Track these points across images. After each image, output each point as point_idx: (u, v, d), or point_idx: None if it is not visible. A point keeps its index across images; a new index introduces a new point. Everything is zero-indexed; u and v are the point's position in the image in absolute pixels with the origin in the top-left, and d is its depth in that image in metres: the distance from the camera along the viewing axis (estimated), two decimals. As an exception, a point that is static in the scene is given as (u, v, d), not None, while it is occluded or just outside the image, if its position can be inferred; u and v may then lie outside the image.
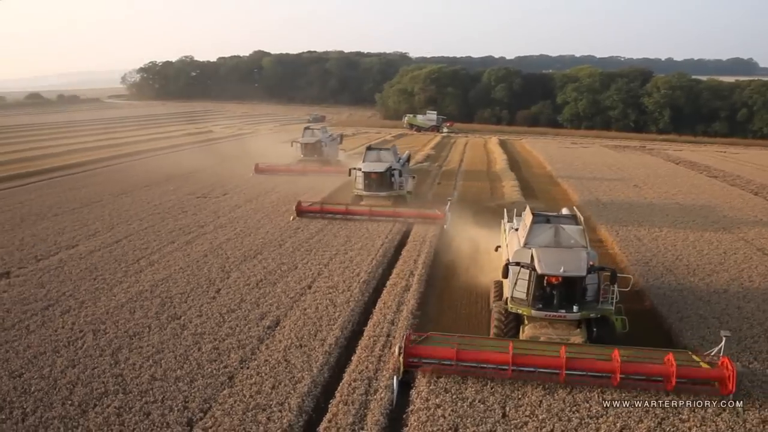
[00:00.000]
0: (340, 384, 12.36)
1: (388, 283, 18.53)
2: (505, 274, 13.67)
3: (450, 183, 38.01)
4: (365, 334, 14.81)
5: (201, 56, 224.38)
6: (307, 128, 42.56)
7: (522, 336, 13.59)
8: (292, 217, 25.50)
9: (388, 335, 14.69)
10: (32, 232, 23.84)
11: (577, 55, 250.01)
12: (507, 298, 14.10)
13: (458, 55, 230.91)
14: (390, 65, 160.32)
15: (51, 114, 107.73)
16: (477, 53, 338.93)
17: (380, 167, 27.16)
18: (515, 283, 13.77)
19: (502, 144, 65.32)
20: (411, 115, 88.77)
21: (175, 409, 11.32)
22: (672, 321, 15.58)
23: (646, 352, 12.41)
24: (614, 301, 13.43)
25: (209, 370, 12.87)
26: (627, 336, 13.77)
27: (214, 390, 12.07)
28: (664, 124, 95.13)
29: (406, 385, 12.16)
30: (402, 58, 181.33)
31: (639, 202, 31.14)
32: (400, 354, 12.24)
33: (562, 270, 12.78)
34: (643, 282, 18.64)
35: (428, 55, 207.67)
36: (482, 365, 12.16)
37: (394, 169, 27.36)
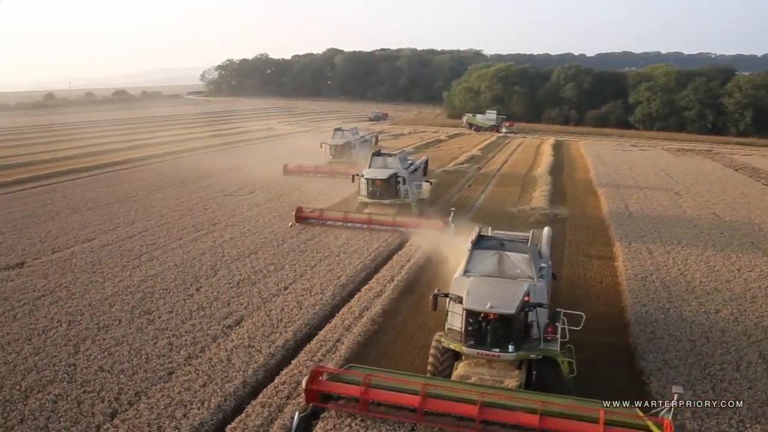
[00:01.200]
0: (267, 387, 12.73)
1: (364, 287, 18.72)
2: (434, 306, 12.33)
3: (480, 187, 37.44)
4: (315, 338, 15.11)
5: (276, 54, 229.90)
6: (337, 129, 42.48)
7: (453, 375, 12.11)
8: (290, 224, 25.30)
9: (338, 341, 14.94)
10: (60, 225, 25.72)
11: (663, 51, 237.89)
12: (443, 332, 12.75)
13: (535, 53, 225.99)
14: (462, 63, 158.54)
15: (129, 110, 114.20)
16: (555, 50, 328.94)
17: (383, 174, 26.15)
18: (448, 315, 12.62)
19: (557, 146, 63.40)
20: (470, 115, 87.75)
21: (107, 399, 12.09)
22: (644, 358, 14.16)
23: (582, 404, 10.72)
24: (562, 340, 11.97)
25: (154, 364, 13.61)
26: (579, 380, 12.15)
27: (149, 384, 12.77)
28: (744, 125, 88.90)
29: (315, 416, 11.56)
30: (476, 56, 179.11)
31: (670, 213, 29.50)
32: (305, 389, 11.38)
33: (488, 306, 11.35)
34: (628, 300, 17.85)
35: (504, 53, 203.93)
36: (391, 406, 11.13)
37: (399, 177, 26.43)
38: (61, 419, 11.40)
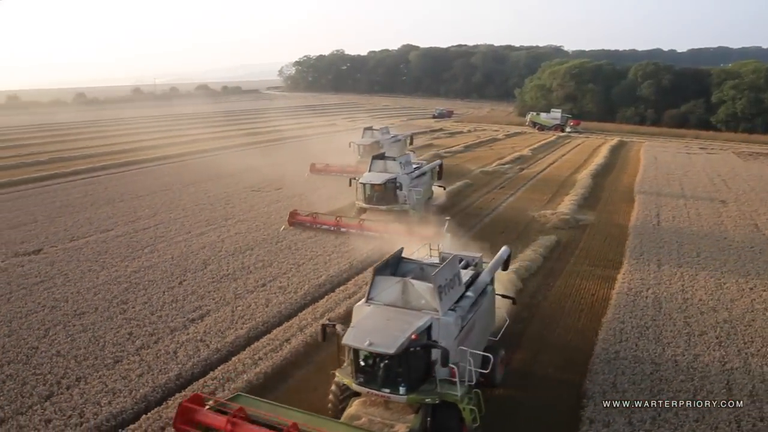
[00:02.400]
0: (198, 381, 13.17)
1: (338, 288, 18.86)
2: (323, 337, 11.16)
3: (511, 190, 36.45)
4: (265, 337, 15.42)
5: (353, 50, 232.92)
6: (366, 129, 41.49)
7: (345, 413, 10.74)
8: (282, 227, 24.69)
9: (287, 341, 15.19)
10: (90, 215, 27.49)
11: (765, 46, 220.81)
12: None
13: (621, 48, 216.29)
14: (538, 59, 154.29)
15: (206, 105, 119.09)
16: (643, 46, 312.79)
17: (379, 179, 24.82)
18: (339, 347, 11.37)
19: (617, 147, 60.59)
20: (534, 113, 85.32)
21: (49, 382, 12.95)
22: (593, 379, 13.36)
23: None
24: (468, 384, 10.65)
25: (107, 352, 14.42)
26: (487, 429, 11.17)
27: (93, 370, 13.56)
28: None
29: None
30: (555, 52, 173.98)
31: (704, 223, 27.47)
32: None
33: (367, 343, 9.86)
34: (609, 315, 17.01)
35: (587, 49, 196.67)
36: None
37: (395, 181, 24.91)
38: (1, 398, 12.28)
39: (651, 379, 13.46)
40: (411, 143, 44.57)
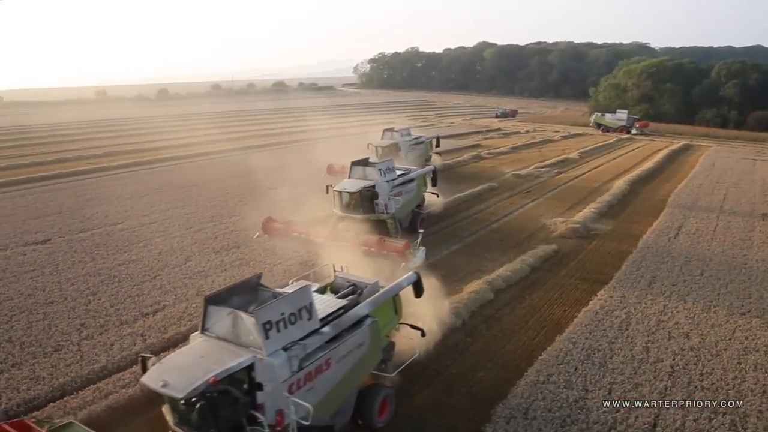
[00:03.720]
0: (117, 374, 13.66)
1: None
2: (143, 369, 9.56)
3: (535, 195, 35.09)
4: (203, 335, 15.72)
5: (428, 47, 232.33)
6: (386, 130, 39.93)
7: None
8: (256, 234, 22.99)
9: (222, 340, 15.43)
10: (107, 209, 28.99)
11: None
12: None
13: (716, 45, 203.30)
14: (619, 57, 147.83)
15: (275, 101, 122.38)
16: (742, 42, 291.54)
17: (353, 187, 23.48)
18: None
19: (678, 151, 56.85)
20: (599, 114, 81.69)
21: (-15, 367, 13.84)
22: (506, 403, 12.70)
23: None
24: None
25: (52, 340, 15.19)
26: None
27: (31, 357, 14.34)
28: None
29: None
30: (639, 49, 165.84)
31: (725, 244, 24.77)
32: None
33: (161, 383, 8.68)
34: (566, 334, 16.13)
35: (676, 45, 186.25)
36: None
37: (372, 189, 23.56)
38: (-61, 379, 13.28)
39: (571, 407, 12.63)
40: (437, 146, 43.21)
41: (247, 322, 9.63)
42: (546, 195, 35.14)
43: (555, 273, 21.72)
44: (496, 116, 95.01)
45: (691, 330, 16.45)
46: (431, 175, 28.45)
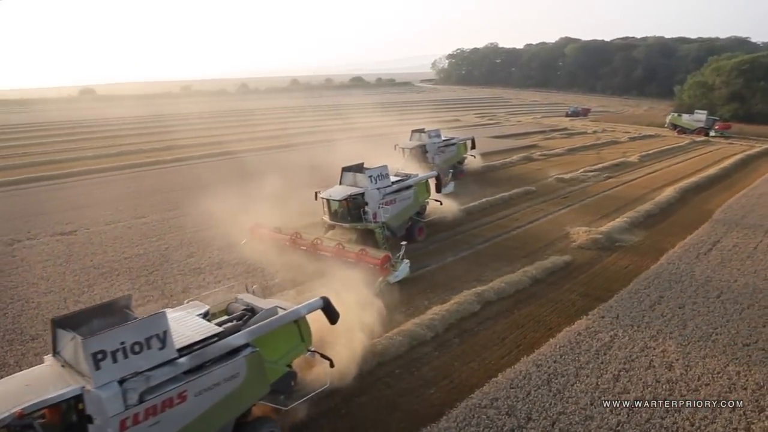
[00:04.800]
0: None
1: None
2: None
3: (570, 201, 33.42)
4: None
5: (508, 43, 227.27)
6: (415, 131, 38.71)
7: None
8: (243, 240, 22.36)
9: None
10: (138, 203, 30.38)
11: None
12: None
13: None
14: (712, 52, 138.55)
15: (354, 96, 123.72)
16: None
17: (339, 194, 22.69)
18: None
19: (755, 157, 52.52)
20: (675, 114, 76.74)
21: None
22: None
23: None
24: None
25: (32, 330, 16.08)
26: None
27: (7, 344, 15.29)
28: None
29: None
30: (735, 44, 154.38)
31: (759, 265, 22.83)
32: None
33: None
34: (507, 374, 15.23)
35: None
36: None
37: (359, 197, 22.75)
38: None
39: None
40: (473, 147, 41.70)
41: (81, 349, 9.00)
42: (583, 201, 33.42)
43: (558, 287, 20.58)
44: (567, 115, 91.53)
45: (677, 360, 15.06)
46: (434, 182, 27.24)
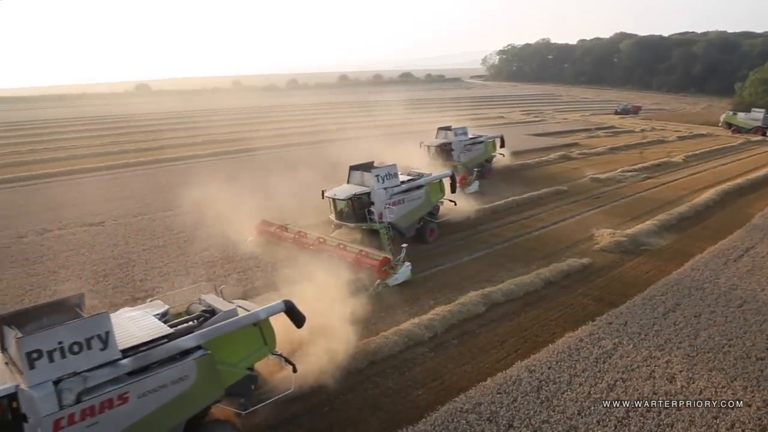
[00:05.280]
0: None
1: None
2: None
3: (602, 201, 32.41)
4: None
5: (561, 39, 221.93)
6: (440, 129, 37.75)
7: None
8: (250, 238, 22.75)
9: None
10: (168, 196, 30.99)
11: None
12: None
13: None
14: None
15: (398, 92, 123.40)
16: None
17: (343, 194, 22.25)
18: None
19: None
20: (730, 113, 73.17)
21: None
22: None
23: None
24: None
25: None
26: None
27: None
28: None
29: None
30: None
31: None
32: None
33: None
34: (492, 382, 14.84)
35: None
36: None
37: (364, 197, 22.28)
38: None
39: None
40: (502, 146, 40.57)
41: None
42: (616, 202, 32.32)
43: (571, 290, 19.97)
44: (616, 113, 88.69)
45: (680, 372, 14.34)
46: (449, 180, 26.38)
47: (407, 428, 12.12)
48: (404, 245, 20.03)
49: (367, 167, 23.09)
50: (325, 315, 14.67)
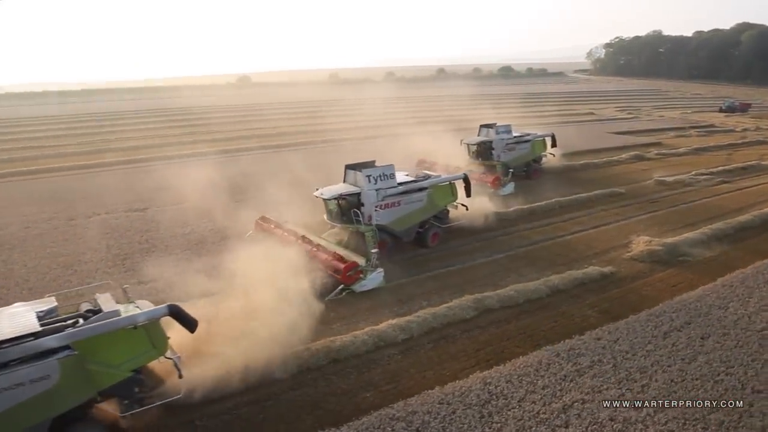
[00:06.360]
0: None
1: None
2: None
3: (657, 207, 29.94)
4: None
5: (674, 30, 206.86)
6: (483, 126, 35.58)
7: None
8: (249, 233, 22.76)
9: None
10: (212, 186, 31.61)
11: None
12: None
13: None
14: None
15: (498, 86, 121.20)
16: None
17: (329, 193, 21.51)
18: None
19: None
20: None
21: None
22: None
23: None
24: None
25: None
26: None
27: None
28: None
29: None
30: None
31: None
32: None
33: None
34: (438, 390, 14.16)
35: None
36: None
37: (351, 197, 21.59)
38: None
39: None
40: (553, 145, 37.89)
41: None
42: (673, 208, 29.82)
43: (579, 300, 18.74)
44: (721, 110, 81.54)
45: (653, 398, 12.95)
46: (463, 183, 24.91)
47: (329, 430, 11.92)
48: (374, 250, 19.08)
49: (361, 167, 22.11)
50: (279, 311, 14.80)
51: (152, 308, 11.65)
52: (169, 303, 11.84)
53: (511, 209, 28.09)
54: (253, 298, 15.23)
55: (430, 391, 13.30)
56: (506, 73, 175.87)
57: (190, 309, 12.38)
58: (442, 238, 24.14)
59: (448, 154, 34.67)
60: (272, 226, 22.50)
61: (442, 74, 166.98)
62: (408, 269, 21.36)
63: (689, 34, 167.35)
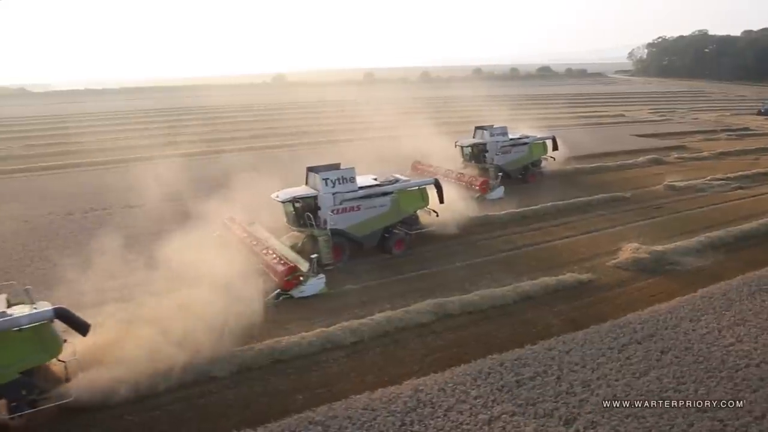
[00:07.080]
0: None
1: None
2: None
3: (655, 215, 28.85)
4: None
5: (721, 30, 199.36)
6: (478, 128, 34.64)
7: None
8: (216, 232, 22.12)
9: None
10: (206, 186, 32.04)
11: None
12: None
13: None
14: None
15: (534, 87, 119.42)
16: None
17: (284, 196, 21.19)
18: None
19: None
20: None
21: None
22: None
23: None
24: None
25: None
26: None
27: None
28: None
29: None
30: None
31: None
32: None
33: None
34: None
35: None
36: None
37: (304, 200, 21.24)
38: None
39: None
40: (554, 148, 36.56)
41: None
42: (676, 214, 28.67)
43: (546, 308, 18.17)
44: (759, 113, 78.06)
45: (587, 413, 12.46)
46: (435, 188, 24.17)
47: (245, 430, 11.84)
48: (313, 255, 18.68)
49: (318, 169, 21.64)
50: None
51: (37, 311, 11.36)
52: (56, 306, 11.75)
53: (503, 213, 27.49)
54: (194, 296, 15.31)
55: (358, 396, 13.07)
56: (545, 73, 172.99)
57: (130, 308, 12.46)
58: (422, 241, 23.79)
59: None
60: (235, 226, 22.31)
61: (478, 74, 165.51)
62: (380, 272, 21.13)
63: (737, 33, 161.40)
